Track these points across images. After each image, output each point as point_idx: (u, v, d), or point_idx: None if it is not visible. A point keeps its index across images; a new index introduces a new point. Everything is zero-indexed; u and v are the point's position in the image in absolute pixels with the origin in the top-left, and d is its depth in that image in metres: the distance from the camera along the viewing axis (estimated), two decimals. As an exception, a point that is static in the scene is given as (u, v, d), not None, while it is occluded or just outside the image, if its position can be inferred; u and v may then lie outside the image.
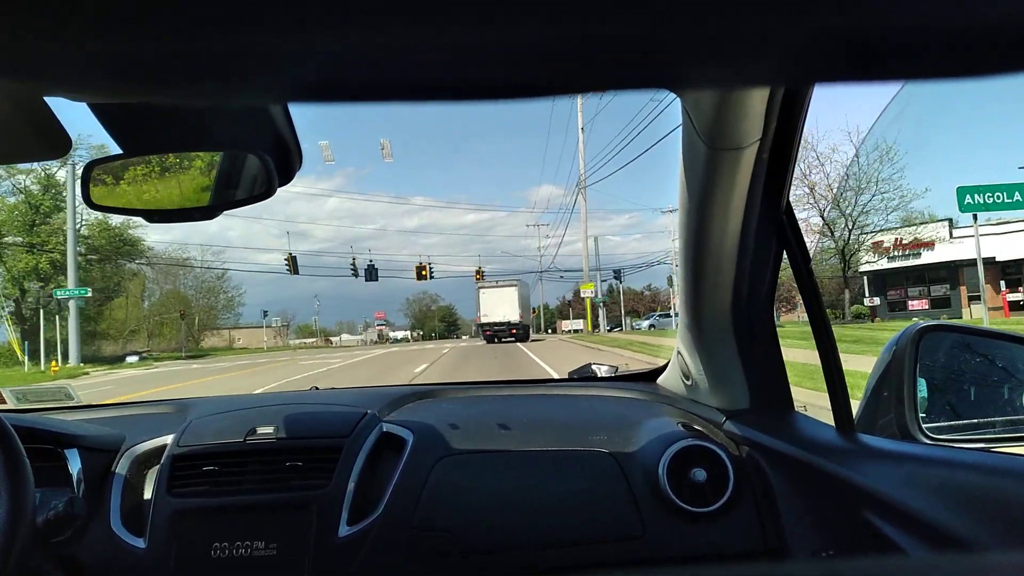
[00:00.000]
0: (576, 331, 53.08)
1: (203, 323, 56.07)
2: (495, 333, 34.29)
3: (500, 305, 34.86)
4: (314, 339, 74.81)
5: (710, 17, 0.23)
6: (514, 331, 34.10)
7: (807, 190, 27.27)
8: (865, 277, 30.64)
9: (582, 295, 35.90)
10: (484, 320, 35.41)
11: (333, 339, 78.70)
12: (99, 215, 35.63)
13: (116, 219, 37.62)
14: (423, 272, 35.85)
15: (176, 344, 45.93)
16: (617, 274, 39.79)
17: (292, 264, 33.15)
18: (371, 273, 37.25)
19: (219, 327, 60.22)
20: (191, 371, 21.04)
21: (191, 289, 55.62)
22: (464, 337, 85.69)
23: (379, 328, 78.07)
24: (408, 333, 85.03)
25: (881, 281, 30.12)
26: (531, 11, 0.23)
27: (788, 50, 0.25)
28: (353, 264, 37.35)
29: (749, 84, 0.80)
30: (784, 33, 0.24)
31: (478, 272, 38.37)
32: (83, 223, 36.26)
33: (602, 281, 44.16)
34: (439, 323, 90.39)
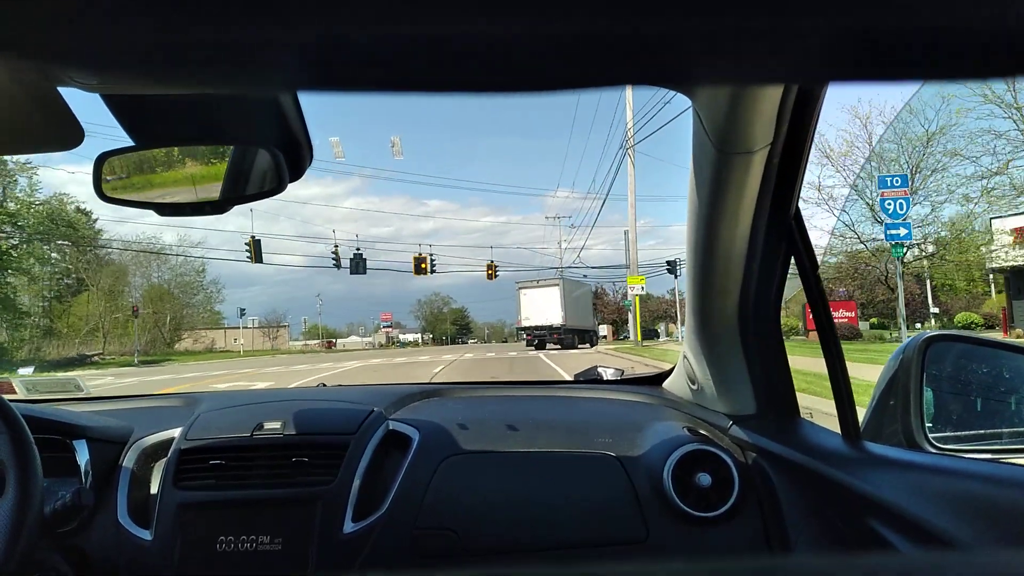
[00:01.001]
0: (601, 337, 46.67)
1: (177, 323, 49.41)
2: (537, 338, 30.63)
3: (541, 307, 31.00)
4: (316, 341, 71.18)
5: (725, 15, 0.23)
6: (557, 336, 30.11)
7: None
8: (995, 275, 23.87)
9: (630, 293, 26.05)
10: (525, 323, 31.86)
11: (342, 341, 75.80)
12: (27, 189, 32.26)
13: (45, 194, 33.44)
14: (423, 265, 29.59)
15: (139, 346, 38.87)
16: (671, 267, 28.08)
17: (253, 249, 25.82)
18: (358, 265, 30.13)
19: (198, 327, 54.17)
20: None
21: (166, 283, 49.48)
22: (470, 342, 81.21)
23: (385, 330, 74.26)
24: (418, 336, 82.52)
25: (1020, 280, 22.47)
26: (546, 7, 0.23)
27: (802, 49, 0.25)
28: (335, 254, 30.86)
29: (762, 82, 0.80)
30: (798, 32, 0.24)
31: (490, 267, 32.12)
32: (3, 195, 32.00)
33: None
34: (451, 326, 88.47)
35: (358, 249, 31.16)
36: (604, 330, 50.28)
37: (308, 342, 71.36)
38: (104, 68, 0.28)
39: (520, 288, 33.09)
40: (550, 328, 30.55)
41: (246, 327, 54.45)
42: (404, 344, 71.63)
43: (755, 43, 0.25)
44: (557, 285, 31.66)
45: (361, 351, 52.60)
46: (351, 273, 30.22)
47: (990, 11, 0.23)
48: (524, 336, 32.21)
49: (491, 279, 32.78)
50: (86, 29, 0.24)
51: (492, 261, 32.88)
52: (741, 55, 0.26)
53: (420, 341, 79.68)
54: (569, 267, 48.52)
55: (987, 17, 0.23)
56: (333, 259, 30.97)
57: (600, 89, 0.29)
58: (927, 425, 1.17)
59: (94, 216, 42.44)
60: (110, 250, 44.30)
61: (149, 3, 0.23)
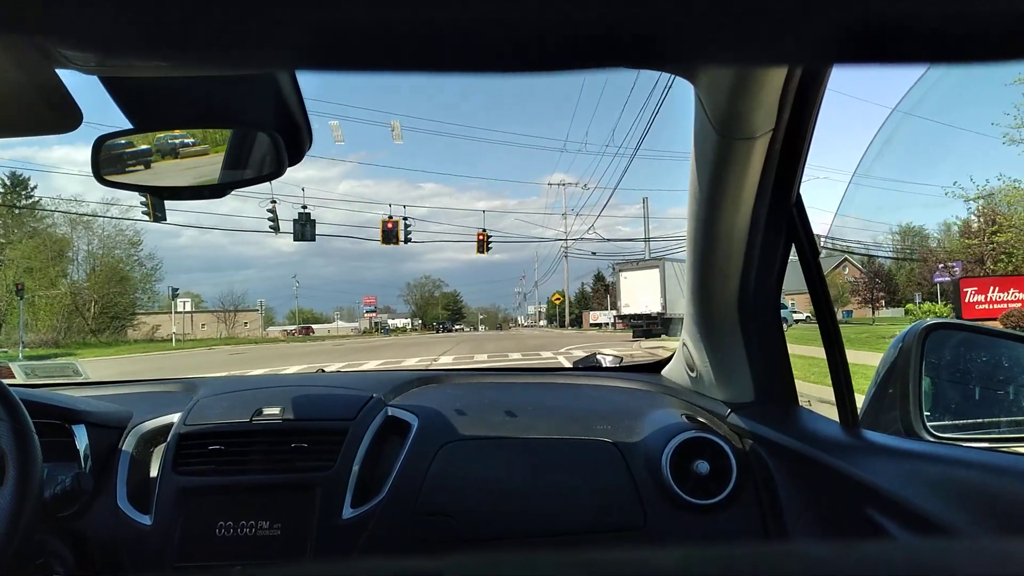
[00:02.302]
0: (605, 325, 41.52)
1: (105, 306, 40.02)
2: (635, 328, 26.14)
3: (641, 292, 26.36)
4: (293, 327, 64.62)
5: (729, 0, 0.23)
6: (655, 325, 25.53)
7: None
8: None
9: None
10: (624, 311, 27.64)
11: (327, 326, 70.80)
12: None
13: None
14: (394, 233, 23.43)
15: (50, 335, 32.72)
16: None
17: (151, 207, 18.50)
18: (304, 228, 22.71)
19: (133, 311, 44.37)
20: None
21: (95, 259, 40.27)
22: (456, 329, 72.21)
23: (368, 315, 67.83)
24: (408, 322, 77.97)
25: None
26: None
27: (803, 32, 0.25)
28: (273, 213, 22.46)
29: (764, 65, 0.79)
30: (800, 15, 0.24)
31: (481, 236, 25.83)
32: None
33: (652, 256, 30.77)
34: (443, 311, 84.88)
35: (304, 208, 23.51)
36: (607, 318, 43.63)
37: (287, 328, 65.77)
38: (103, 50, 0.28)
39: (620, 271, 28.57)
40: (648, 317, 26.00)
41: (178, 312, 43.09)
42: (390, 331, 66.03)
43: (757, 26, 0.25)
44: (656, 267, 26.59)
45: (334, 338, 48.18)
46: (295, 239, 23.16)
47: None
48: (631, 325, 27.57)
49: (482, 252, 26.35)
50: (85, 11, 0.24)
51: (484, 230, 26.31)
52: (743, 38, 0.26)
53: (410, 327, 75.48)
54: (579, 239, 42.66)
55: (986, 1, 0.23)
56: (270, 221, 22.69)
57: (602, 70, 0.29)
58: (925, 413, 1.17)
59: (32, 184, 38.52)
60: (42, 214, 38.54)
61: None
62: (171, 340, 40.94)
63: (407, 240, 25.07)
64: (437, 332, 64.22)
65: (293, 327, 65.44)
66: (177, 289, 41.33)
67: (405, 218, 24.85)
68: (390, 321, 75.34)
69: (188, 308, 45.87)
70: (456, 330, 73.00)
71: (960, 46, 0.26)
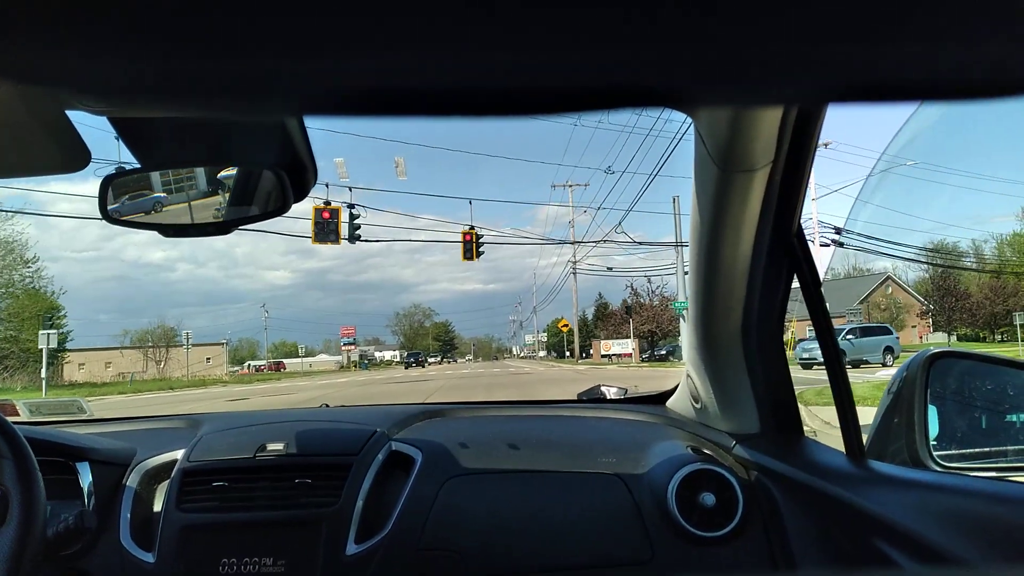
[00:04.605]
0: (618, 356, 38.70)
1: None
2: None
3: None
4: (262, 363, 58.50)
5: (724, 40, 0.24)
6: None
7: None
8: None
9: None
10: None
11: (310, 360, 63.15)
12: None
13: None
14: (332, 226, 16.66)
15: None
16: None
17: None
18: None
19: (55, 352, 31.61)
20: None
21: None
22: (434, 362, 60.90)
23: (346, 348, 59.88)
24: (395, 354, 71.75)
25: None
26: (546, 30, 0.23)
27: (800, 73, 0.26)
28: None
29: (762, 104, 0.81)
30: (796, 57, 0.25)
31: (468, 237, 19.63)
32: None
33: (684, 274, 28.85)
34: (433, 342, 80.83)
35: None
36: (626, 345, 40.51)
37: (259, 363, 59.54)
38: (112, 93, 0.29)
39: None
40: None
41: (53, 348, 28.97)
42: (367, 365, 58.90)
43: (754, 67, 0.25)
44: None
45: (303, 374, 43.14)
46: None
47: (984, 33, 0.24)
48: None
49: (470, 259, 19.81)
50: (95, 56, 0.24)
51: (472, 227, 19.88)
52: (740, 78, 0.26)
53: (397, 359, 68.22)
54: (602, 240, 34.08)
55: (982, 39, 0.24)
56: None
57: (601, 112, 0.29)
58: (931, 443, 1.16)
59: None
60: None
61: (157, 30, 0.23)
62: (74, 383, 34.06)
63: (355, 237, 17.61)
64: (406, 368, 51.50)
65: (262, 363, 59.46)
66: (51, 318, 31.47)
67: (352, 206, 17.25)
68: (376, 354, 70.59)
69: (53, 343, 29.51)
70: (433, 362, 61.35)
71: (952, 85, 0.26)
